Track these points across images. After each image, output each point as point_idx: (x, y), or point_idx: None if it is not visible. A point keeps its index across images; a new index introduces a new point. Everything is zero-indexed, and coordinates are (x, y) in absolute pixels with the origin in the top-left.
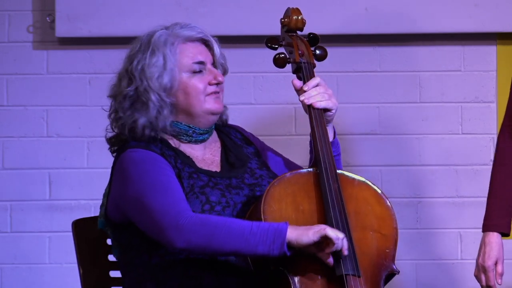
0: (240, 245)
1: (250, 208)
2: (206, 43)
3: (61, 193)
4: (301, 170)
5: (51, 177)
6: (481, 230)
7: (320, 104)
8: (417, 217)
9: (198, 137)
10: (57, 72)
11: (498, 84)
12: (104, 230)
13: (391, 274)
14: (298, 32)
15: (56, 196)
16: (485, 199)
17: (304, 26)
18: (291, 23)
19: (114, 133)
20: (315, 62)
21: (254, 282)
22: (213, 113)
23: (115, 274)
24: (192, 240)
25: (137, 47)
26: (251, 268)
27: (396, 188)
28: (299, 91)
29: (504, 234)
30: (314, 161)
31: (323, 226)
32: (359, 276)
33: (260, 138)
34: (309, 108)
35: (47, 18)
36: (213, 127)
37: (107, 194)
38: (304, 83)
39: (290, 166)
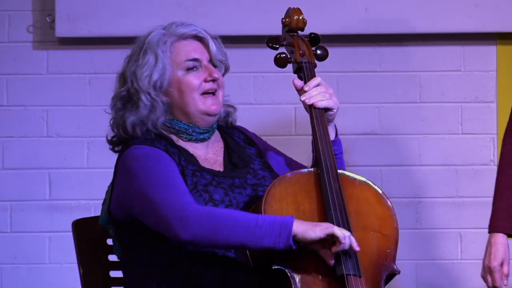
0: (246, 238)
1: (251, 208)
2: (201, 40)
3: (61, 193)
4: (302, 170)
5: (51, 177)
6: (481, 230)
7: (321, 103)
8: (417, 217)
9: (199, 136)
10: (57, 72)
11: (498, 84)
12: (106, 228)
13: (392, 274)
14: (299, 32)
15: (56, 196)
16: (485, 199)
17: (305, 26)
18: (292, 23)
19: (113, 133)
20: (316, 62)
21: (255, 281)
22: (208, 114)
23: (115, 274)
24: (197, 232)
25: (134, 48)
26: (251, 265)
27: (396, 188)
28: (300, 91)
29: (510, 235)
30: (315, 161)
31: (330, 224)
32: (360, 276)
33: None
34: (310, 108)
35: (47, 18)
36: (214, 126)
37: (111, 191)
38: (305, 83)
39: (292, 165)
